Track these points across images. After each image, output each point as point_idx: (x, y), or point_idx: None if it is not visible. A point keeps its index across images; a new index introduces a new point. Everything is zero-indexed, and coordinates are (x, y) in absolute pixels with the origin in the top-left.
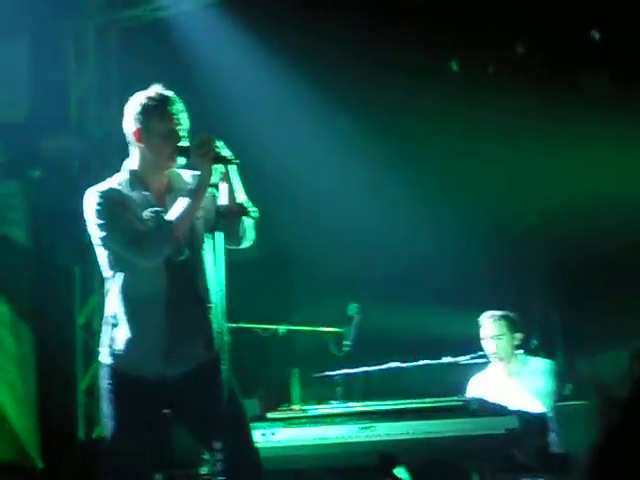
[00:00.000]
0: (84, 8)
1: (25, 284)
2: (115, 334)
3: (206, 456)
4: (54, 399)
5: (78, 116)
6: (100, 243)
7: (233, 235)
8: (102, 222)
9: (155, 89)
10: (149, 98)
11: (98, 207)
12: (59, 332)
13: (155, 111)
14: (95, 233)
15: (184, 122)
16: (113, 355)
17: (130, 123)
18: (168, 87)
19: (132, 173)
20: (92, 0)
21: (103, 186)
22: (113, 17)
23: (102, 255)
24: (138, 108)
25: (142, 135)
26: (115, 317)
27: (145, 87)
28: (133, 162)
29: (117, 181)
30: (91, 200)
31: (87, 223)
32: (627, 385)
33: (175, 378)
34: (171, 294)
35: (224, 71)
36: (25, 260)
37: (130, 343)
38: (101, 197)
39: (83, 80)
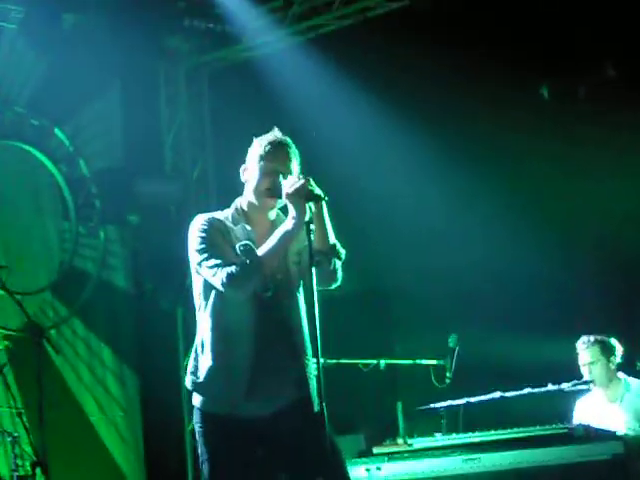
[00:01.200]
0: (174, 52)
1: (128, 329)
2: (199, 363)
3: None
4: (161, 443)
5: (172, 159)
6: (195, 268)
7: (323, 276)
8: (200, 247)
9: (273, 133)
10: (261, 139)
11: (199, 232)
12: (164, 375)
13: (261, 151)
14: (192, 258)
15: (291, 167)
16: (197, 386)
17: (247, 161)
18: (259, 128)
19: (239, 209)
20: (182, 44)
21: (210, 215)
22: (203, 60)
23: (197, 282)
24: (251, 148)
25: (247, 172)
26: (203, 345)
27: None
28: (242, 199)
29: (224, 214)
30: (196, 225)
31: (188, 249)
32: None
33: (267, 418)
34: (258, 329)
35: (314, 109)
36: (126, 305)
37: (212, 373)
38: (204, 224)
39: (176, 123)
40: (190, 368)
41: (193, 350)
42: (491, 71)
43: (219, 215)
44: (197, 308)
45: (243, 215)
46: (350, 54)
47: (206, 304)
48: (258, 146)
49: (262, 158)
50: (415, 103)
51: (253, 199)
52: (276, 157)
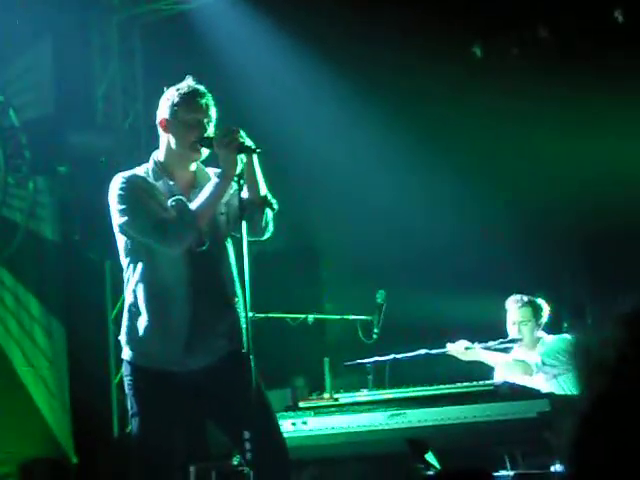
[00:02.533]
0: (107, 4)
1: (55, 280)
2: (135, 323)
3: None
4: (87, 394)
5: (104, 111)
6: (122, 229)
7: (255, 227)
8: (125, 207)
9: (187, 82)
10: (179, 89)
11: (122, 192)
12: (91, 327)
13: (182, 101)
14: (117, 219)
15: (212, 115)
16: (132, 346)
17: (160, 112)
18: (189, 79)
19: (158, 163)
20: None
21: (129, 173)
22: (135, 12)
23: (122, 242)
24: (168, 98)
25: (168, 124)
26: (136, 305)
27: (168, 81)
28: (160, 153)
29: (143, 170)
30: (116, 185)
31: (110, 209)
32: (611, 350)
33: (199, 371)
34: (192, 285)
35: (247, 62)
36: (54, 256)
37: (150, 332)
38: (126, 183)
39: (108, 75)
40: (124, 329)
41: (126, 310)
42: (426, 29)
43: (138, 172)
44: (124, 268)
45: (163, 169)
46: (285, 8)
47: (136, 264)
48: (175, 96)
49: (182, 109)
50: (350, 58)
51: (175, 152)
52: (198, 106)
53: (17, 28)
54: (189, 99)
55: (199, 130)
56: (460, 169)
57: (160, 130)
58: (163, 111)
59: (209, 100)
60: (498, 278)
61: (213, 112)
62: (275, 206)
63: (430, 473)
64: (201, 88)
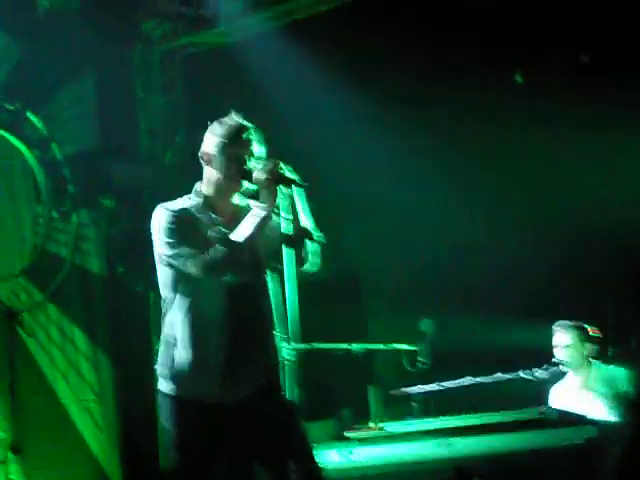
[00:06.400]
0: (148, 37)
1: (100, 313)
2: (172, 354)
3: None
4: (134, 427)
5: (146, 144)
6: (163, 260)
7: (297, 260)
8: (167, 238)
9: (231, 116)
10: (223, 124)
11: (164, 223)
12: (137, 359)
13: (227, 136)
14: (159, 250)
15: (254, 149)
16: (170, 378)
17: (204, 146)
18: (229, 110)
19: (201, 195)
20: (156, 28)
21: (173, 204)
22: (177, 44)
23: (164, 274)
24: (212, 133)
25: (211, 157)
26: (174, 336)
27: (210, 113)
28: (203, 185)
29: (184, 202)
30: (158, 216)
31: (153, 239)
32: None
33: (234, 403)
34: (231, 316)
35: (290, 95)
36: (100, 289)
37: (187, 363)
38: (168, 214)
39: (150, 108)
40: (161, 360)
41: (162, 342)
42: (466, 53)
43: (181, 203)
44: (163, 300)
45: (205, 202)
46: (325, 39)
47: (174, 296)
48: (220, 131)
49: (227, 143)
50: (391, 87)
51: (217, 184)
52: (243, 142)
53: (60, 60)
54: (233, 134)
55: (240, 164)
56: (502, 194)
57: (203, 163)
58: (207, 145)
59: (252, 135)
60: (544, 305)
61: (256, 146)
62: (316, 237)
63: None
64: (245, 123)
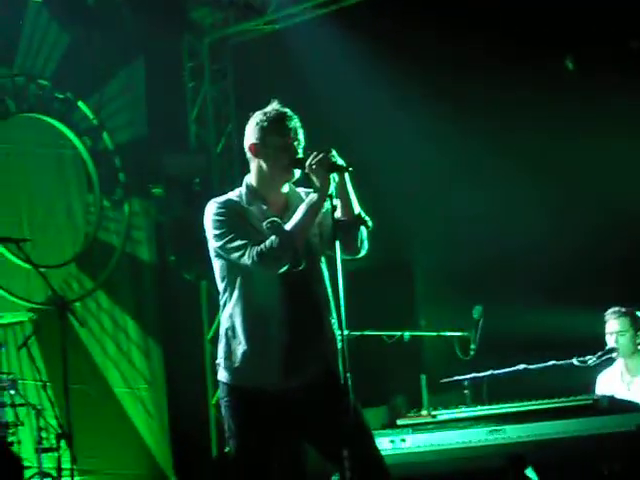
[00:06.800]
0: (198, 26)
1: (152, 302)
2: (233, 347)
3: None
4: (185, 415)
5: (196, 132)
6: (218, 254)
7: (350, 245)
8: (221, 232)
9: (273, 106)
10: (266, 114)
11: (217, 217)
12: (188, 348)
13: (271, 126)
14: (213, 243)
15: (300, 137)
16: (230, 370)
17: (248, 138)
18: (283, 100)
19: (250, 187)
20: (206, 17)
21: (223, 198)
22: (226, 33)
23: (219, 266)
24: (256, 124)
25: (259, 149)
26: (233, 329)
27: (259, 101)
28: (252, 177)
29: (236, 194)
30: (211, 211)
31: (206, 234)
32: None
33: (294, 390)
34: (289, 305)
35: (338, 81)
36: (151, 278)
37: (248, 356)
38: (220, 208)
39: (200, 97)
40: (222, 353)
41: (223, 335)
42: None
43: (232, 196)
44: (221, 292)
45: (255, 193)
46: (373, 27)
47: (232, 288)
48: (264, 120)
49: (272, 133)
50: (433, 76)
51: (267, 176)
52: (288, 130)
53: (110, 50)
54: (278, 123)
55: (290, 153)
56: (554, 180)
57: (250, 155)
58: (252, 136)
59: (297, 123)
60: (595, 292)
61: (301, 134)
62: (369, 223)
63: None
64: (288, 111)
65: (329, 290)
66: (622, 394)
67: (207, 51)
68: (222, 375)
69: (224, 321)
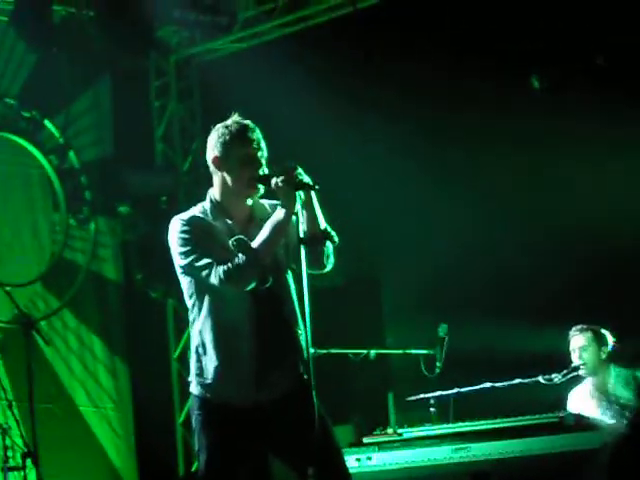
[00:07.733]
0: (164, 45)
1: (118, 320)
2: (204, 363)
3: None
4: (152, 434)
5: (163, 151)
6: (184, 271)
7: (316, 260)
8: (186, 250)
9: (234, 118)
10: (228, 126)
11: (182, 235)
12: (155, 366)
13: (234, 137)
14: (179, 261)
15: (263, 147)
16: (202, 385)
17: (210, 151)
18: (248, 117)
19: (214, 201)
20: (172, 36)
21: (187, 214)
22: (193, 51)
23: (186, 283)
24: (218, 136)
25: (221, 162)
26: (204, 345)
27: (226, 120)
28: (215, 190)
29: (200, 209)
30: (175, 228)
31: (171, 251)
32: None
33: (264, 405)
34: (257, 321)
35: (304, 99)
36: (117, 296)
37: (219, 372)
38: (185, 225)
39: (166, 115)
40: (193, 370)
41: (193, 351)
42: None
43: (196, 212)
44: (189, 308)
45: (220, 207)
46: (337, 45)
47: (200, 304)
48: (226, 133)
49: (235, 145)
50: (403, 93)
51: (231, 189)
52: (251, 141)
53: (76, 70)
54: (241, 134)
55: (254, 166)
56: (517, 199)
57: (213, 168)
58: (214, 149)
59: (259, 134)
60: (561, 310)
61: (264, 145)
62: (336, 239)
63: None
64: (250, 123)
65: (296, 304)
66: (592, 411)
67: (173, 70)
68: (194, 388)
69: (194, 337)
